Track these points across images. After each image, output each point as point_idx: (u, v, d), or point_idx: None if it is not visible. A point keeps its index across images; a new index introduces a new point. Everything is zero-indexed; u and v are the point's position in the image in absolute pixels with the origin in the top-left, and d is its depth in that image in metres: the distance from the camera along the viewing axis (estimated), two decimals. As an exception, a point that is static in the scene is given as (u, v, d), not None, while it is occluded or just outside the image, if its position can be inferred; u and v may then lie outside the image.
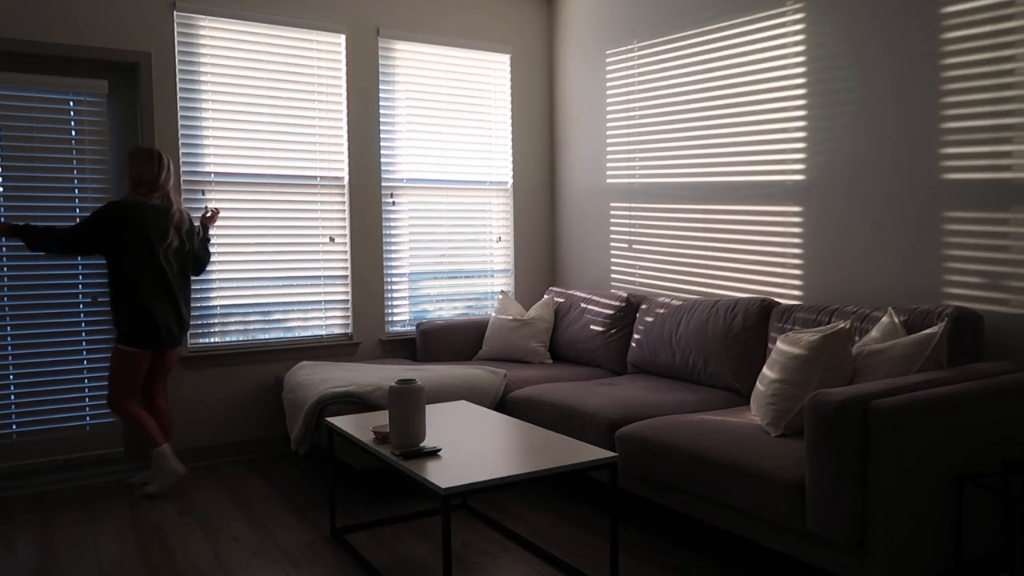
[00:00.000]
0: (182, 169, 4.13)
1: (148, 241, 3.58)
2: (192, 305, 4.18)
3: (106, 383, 3.88)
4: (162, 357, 3.78)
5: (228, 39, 4.24)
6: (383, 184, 4.71)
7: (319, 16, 4.47)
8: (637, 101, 4.58)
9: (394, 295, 4.81)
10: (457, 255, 5.02)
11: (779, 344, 2.97)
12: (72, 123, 3.95)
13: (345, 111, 4.58)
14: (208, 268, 4.17)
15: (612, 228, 4.81)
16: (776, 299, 3.73)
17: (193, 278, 4.10)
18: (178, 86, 4.11)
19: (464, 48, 4.94)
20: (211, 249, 4.07)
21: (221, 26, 4.21)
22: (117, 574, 2.87)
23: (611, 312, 4.34)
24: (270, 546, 3.11)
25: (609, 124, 4.80)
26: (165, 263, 3.63)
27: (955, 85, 3.07)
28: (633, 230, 4.65)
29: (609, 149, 4.81)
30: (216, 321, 4.28)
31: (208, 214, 4.00)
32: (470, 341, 4.73)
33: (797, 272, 3.70)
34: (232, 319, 4.33)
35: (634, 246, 4.66)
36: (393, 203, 4.73)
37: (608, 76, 4.79)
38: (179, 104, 4.12)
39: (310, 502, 3.63)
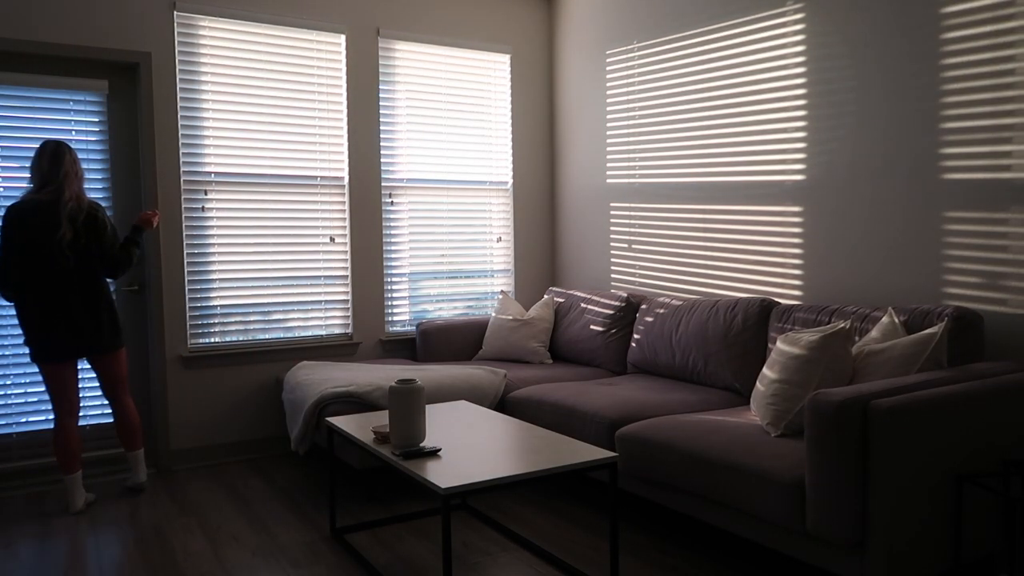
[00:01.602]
0: (182, 169, 4.13)
1: (31, 242, 3.33)
2: (195, 304, 4.19)
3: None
4: (97, 363, 3.57)
5: (228, 39, 4.24)
6: (383, 184, 4.71)
7: (319, 16, 4.47)
8: (637, 101, 4.57)
9: (394, 295, 4.81)
10: (457, 255, 5.02)
11: (779, 344, 2.97)
12: (72, 123, 3.95)
13: (345, 111, 4.58)
14: (211, 270, 4.17)
15: (612, 228, 4.81)
16: (776, 299, 3.73)
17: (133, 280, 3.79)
18: (178, 86, 4.11)
19: (464, 48, 4.94)
20: (135, 254, 3.58)
21: (221, 26, 4.21)
22: (117, 574, 2.87)
23: (611, 312, 4.34)
24: (270, 546, 3.11)
25: (609, 124, 4.80)
26: (57, 263, 3.36)
27: (955, 85, 3.07)
28: (633, 230, 4.65)
29: (609, 149, 4.81)
30: (216, 321, 4.28)
31: (145, 215, 3.66)
32: (470, 341, 4.73)
33: (797, 272, 3.70)
34: (232, 319, 4.33)
35: (634, 246, 4.65)
36: (392, 203, 4.73)
37: (608, 76, 4.79)
38: (179, 104, 4.12)
39: (310, 502, 3.63)
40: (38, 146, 3.44)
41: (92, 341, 3.47)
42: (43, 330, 3.38)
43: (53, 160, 3.40)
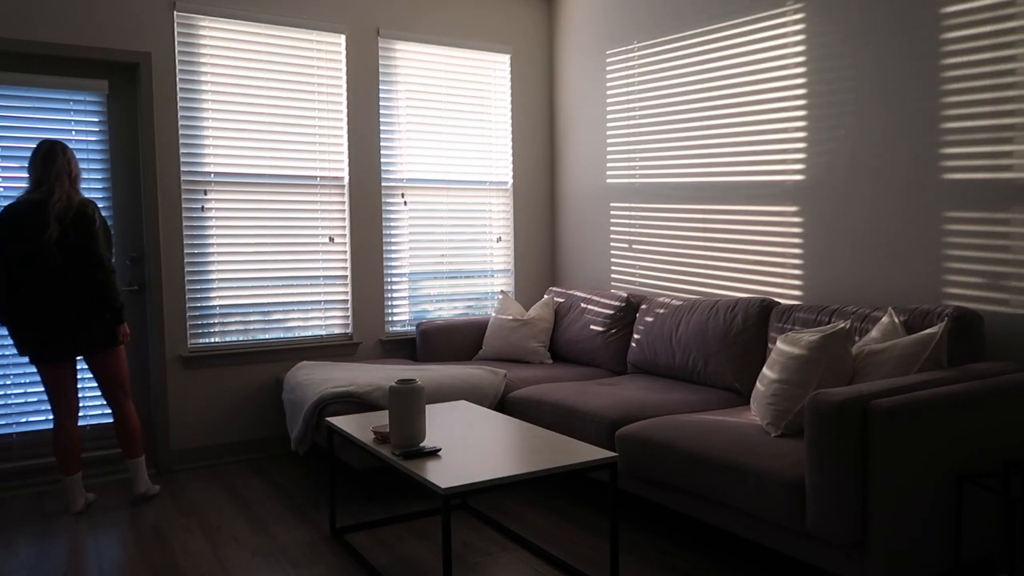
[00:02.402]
0: (182, 169, 4.13)
1: (24, 242, 3.31)
2: (195, 304, 4.19)
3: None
4: (93, 363, 3.52)
5: (228, 39, 4.24)
6: (383, 184, 4.71)
7: (319, 16, 4.47)
8: (637, 101, 4.57)
9: (394, 295, 4.81)
10: (457, 255, 5.02)
11: (779, 344, 2.97)
12: (72, 123, 3.95)
13: (345, 111, 4.58)
14: (211, 270, 4.18)
15: (612, 228, 4.81)
16: (776, 299, 3.73)
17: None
18: (178, 86, 4.11)
19: (464, 48, 4.94)
20: (117, 292, 3.46)
21: (221, 26, 4.21)
22: (117, 574, 2.87)
23: (611, 312, 4.34)
24: (270, 546, 3.11)
25: (609, 124, 4.80)
26: (47, 263, 3.32)
27: (955, 85, 3.07)
28: (633, 230, 4.65)
29: (609, 149, 4.81)
30: (216, 321, 4.28)
31: (124, 329, 3.55)
32: (470, 341, 4.73)
33: (797, 272, 3.70)
34: (232, 319, 4.33)
35: (634, 246, 4.65)
36: (404, 203, 4.74)
37: (608, 76, 4.79)
38: (179, 104, 4.12)
39: (310, 502, 3.63)
40: (34, 146, 3.44)
41: (87, 340, 3.44)
42: (37, 331, 3.36)
43: (45, 160, 3.39)
